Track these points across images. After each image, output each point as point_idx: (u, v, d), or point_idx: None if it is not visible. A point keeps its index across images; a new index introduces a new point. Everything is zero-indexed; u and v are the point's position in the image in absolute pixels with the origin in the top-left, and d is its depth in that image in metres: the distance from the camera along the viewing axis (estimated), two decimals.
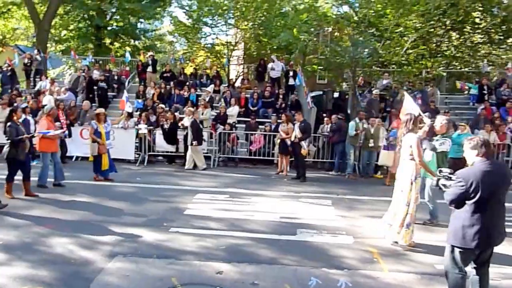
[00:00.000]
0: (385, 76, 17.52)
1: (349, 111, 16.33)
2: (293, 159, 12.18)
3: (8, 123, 7.89)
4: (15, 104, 13.73)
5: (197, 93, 16.50)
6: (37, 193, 8.44)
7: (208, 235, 6.33)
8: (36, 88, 16.77)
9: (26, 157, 8.13)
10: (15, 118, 8.08)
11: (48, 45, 23.02)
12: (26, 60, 18.43)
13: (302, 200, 8.97)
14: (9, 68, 17.49)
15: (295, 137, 11.28)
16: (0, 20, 31.38)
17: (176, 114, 13.95)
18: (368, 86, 17.14)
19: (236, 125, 14.61)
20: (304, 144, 11.31)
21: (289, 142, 11.65)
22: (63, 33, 26.64)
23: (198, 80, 18.16)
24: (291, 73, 16.94)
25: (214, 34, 24.33)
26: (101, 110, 10.57)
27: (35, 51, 19.20)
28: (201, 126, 12.74)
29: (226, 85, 17.87)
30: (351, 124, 12.28)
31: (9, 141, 7.88)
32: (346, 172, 12.37)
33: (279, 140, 12.41)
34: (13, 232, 6.19)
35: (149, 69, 17.91)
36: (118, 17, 25.72)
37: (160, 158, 13.82)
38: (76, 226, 6.54)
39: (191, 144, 12.12)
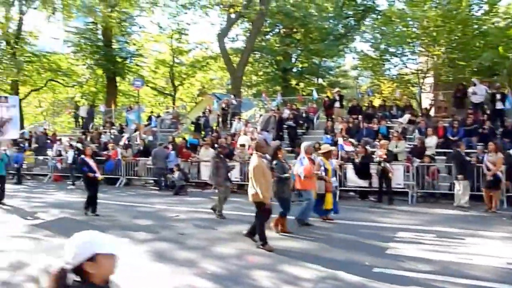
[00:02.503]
0: None
1: None
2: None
3: (274, 161, 7.99)
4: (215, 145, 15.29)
5: (387, 125, 15.63)
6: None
7: (421, 279, 5.43)
8: (232, 130, 18.28)
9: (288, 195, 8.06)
10: (279, 156, 8.11)
11: (242, 90, 25.30)
12: (223, 105, 20.44)
13: None
14: (210, 113, 19.67)
15: None
16: (201, 73, 36.28)
17: (367, 147, 13.30)
18: None
19: (435, 157, 13.16)
20: None
21: (501, 174, 9.81)
22: (254, 78, 29.09)
23: (387, 111, 17.29)
24: (498, 96, 14.73)
25: (402, 63, 23.22)
26: (329, 147, 9.87)
27: (231, 96, 21.20)
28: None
29: (420, 114, 16.53)
30: None
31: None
32: None
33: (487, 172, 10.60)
34: (219, 263, 6.38)
35: (337, 104, 17.85)
36: (302, 58, 26.86)
37: (352, 193, 13.26)
38: (278, 260, 6.41)
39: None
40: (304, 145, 9.07)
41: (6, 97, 14.86)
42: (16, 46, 27.71)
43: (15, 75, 27.10)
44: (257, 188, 6.90)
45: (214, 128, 19.24)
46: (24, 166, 18.63)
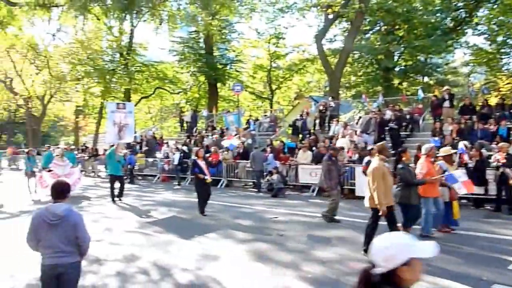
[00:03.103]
0: None
1: None
2: None
3: (400, 165, 7.49)
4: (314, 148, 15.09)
5: (508, 125, 14.06)
6: None
7: None
8: (330, 133, 17.87)
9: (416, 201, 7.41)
10: (404, 159, 7.64)
11: (340, 91, 24.72)
12: (321, 107, 20.11)
13: None
14: (307, 115, 19.45)
15: None
16: (297, 76, 36.30)
17: (483, 151, 12.05)
18: None
19: None
20: None
21: None
22: (353, 79, 28.29)
23: (507, 111, 15.57)
24: None
25: None
26: (449, 150, 8.80)
27: (329, 98, 20.78)
28: None
29: None
30: None
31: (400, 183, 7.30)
32: None
33: None
34: (319, 267, 6.20)
35: (446, 104, 16.51)
36: (406, 56, 25.48)
37: (464, 201, 12.11)
38: None
39: None
40: (426, 146, 8.19)
41: (124, 104, 16.10)
42: (128, 57, 30.24)
43: (127, 84, 29.60)
44: (374, 192, 6.49)
45: (312, 131, 19.00)
46: (136, 167, 20.12)
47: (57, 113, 45.40)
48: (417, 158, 10.71)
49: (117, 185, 13.13)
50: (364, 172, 11.88)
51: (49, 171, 14.10)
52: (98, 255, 6.78)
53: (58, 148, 20.20)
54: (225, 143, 17.66)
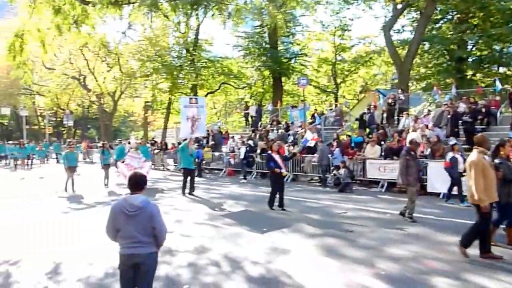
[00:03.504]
0: None
1: None
2: None
3: (498, 160, 6.90)
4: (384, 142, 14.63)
5: None
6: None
7: None
8: (400, 127, 17.26)
9: None
10: (503, 153, 7.11)
11: (409, 84, 23.76)
12: (390, 101, 19.45)
13: None
14: (374, 109, 18.91)
15: None
16: (363, 68, 35.38)
17: None
18: None
19: None
20: None
21: None
22: (422, 71, 27.08)
23: None
24: None
25: None
26: None
27: (399, 91, 20.04)
28: None
29: None
30: None
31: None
32: None
33: None
34: (393, 264, 6.06)
35: None
36: (481, 46, 23.98)
37: None
38: (461, 268, 5.79)
39: None
40: None
41: (196, 98, 16.23)
42: (194, 53, 31.07)
43: (194, 79, 30.44)
44: (473, 187, 6.09)
45: (380, 125, 18.44)
46: (204, 161, 20.67)
47: (127, 108, 47.63)
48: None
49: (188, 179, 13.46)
50: (446, 169, 11.40)
51: (123, 163, 14.83)
52: (170, 246, 7.01)
53: (130, 142, 21.27)
54: (307, 135, 17.35)
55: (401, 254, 6.56)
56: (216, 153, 21.46)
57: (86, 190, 14.57)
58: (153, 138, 34.71)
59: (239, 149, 19.19)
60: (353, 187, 14.10)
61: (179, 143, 25.32)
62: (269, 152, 11.15)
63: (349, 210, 10.33)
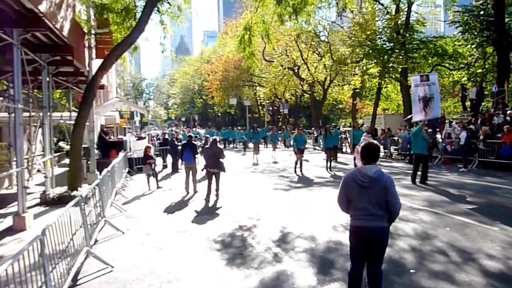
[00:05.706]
0: None
1: None
2: None
3: None
4: None
5: None
6: None
7: None
8: None
9: None
10: None
11: None
12: None
13: None
14: None
15: None
16: None
17: None
18: None
19: None
20: None
21: None
22: None
23: None
24: None
25: None
26: None
27: None
28: None
29: None
30: None
31: None
32: None
33: None
34: None
35: None
36: None
37: None
38: None
39: None
40: None
41: (427, 75, 14.86)
42: (405, 35, 29.48)
43: (405, 62, 28.89)
44: None
45: None
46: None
47: (336, 96, 48.46)
48: None
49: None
50: None
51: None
52: None
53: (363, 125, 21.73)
54: None
55: None
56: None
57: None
58: (361, 124, 34.53)
59: (458, 135, 17.45)
60: None
61: (389, 129, 24.81)
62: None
63: None
